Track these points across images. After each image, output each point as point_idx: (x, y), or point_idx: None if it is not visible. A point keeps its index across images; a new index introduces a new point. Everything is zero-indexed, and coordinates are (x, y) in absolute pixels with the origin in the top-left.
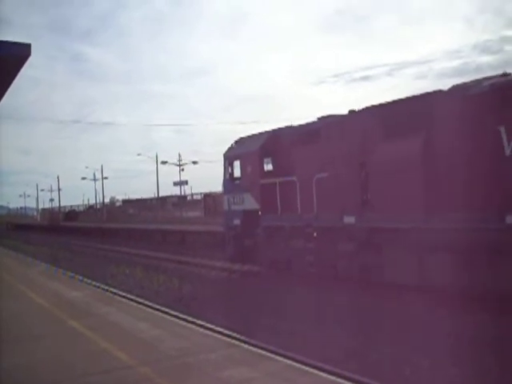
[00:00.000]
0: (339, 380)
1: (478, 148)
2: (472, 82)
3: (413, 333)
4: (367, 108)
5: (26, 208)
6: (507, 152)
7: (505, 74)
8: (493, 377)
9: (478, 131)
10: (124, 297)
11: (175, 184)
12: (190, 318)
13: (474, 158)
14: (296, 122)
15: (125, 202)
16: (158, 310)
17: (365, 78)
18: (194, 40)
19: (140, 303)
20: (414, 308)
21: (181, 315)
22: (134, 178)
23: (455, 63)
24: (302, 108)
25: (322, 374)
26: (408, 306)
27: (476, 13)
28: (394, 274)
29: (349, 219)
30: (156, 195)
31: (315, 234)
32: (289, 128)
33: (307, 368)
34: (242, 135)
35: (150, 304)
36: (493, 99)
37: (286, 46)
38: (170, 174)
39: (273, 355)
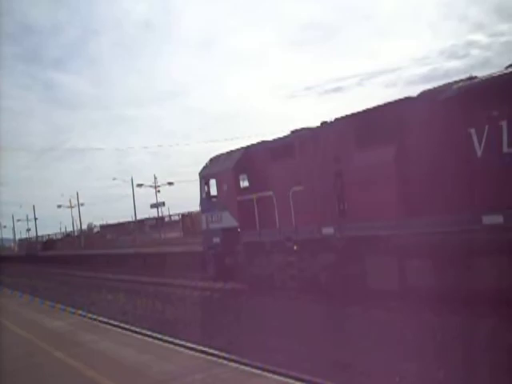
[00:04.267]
0: None
1: (451, 151)
2: (440, 87)
3: (399, 339)
4: (339, 119)
5: (2, 239)
6: (479, 153)
7: (471, 78)
8: (480, 379)
9: (449, 135)
10: (107, 323)
11: (152, 206)
12: (174, 341)
13: (447, 162)
14: (271, 137)
15: (102, 227)
16: (142, 334)
17: (336, 90)
18: (165, 63)
19: (124, 329)
20: (398, 314)
21: (165, 338)
22: (110, 202)
23: (424, 70)
24: (276, 123)
25: None
26: (393, 312)
27: (441, 19)
28: (376, 281)
29: (327, 230)
30: (133, 218)
31: (295, 248)
32: (263, 143)
33: (296, 382)
34: (217, 153)
35: (134, 329)
36: (461, 102)
37: (257, 62)
38: (147, 197)
39: (260, 372)
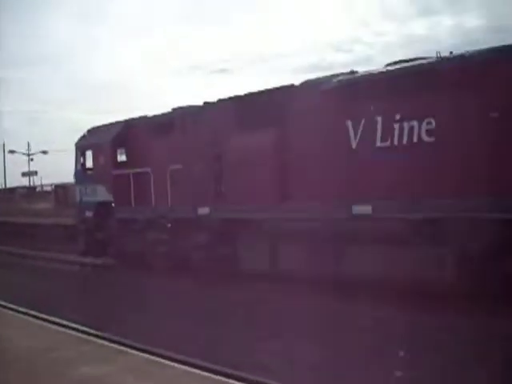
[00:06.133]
0: (199, 371)
1: (328, 141)
2: (323, 78)
3: (264, 319)
4: (222, 100)
5: None
6: (353, 145)
7: (352, 72)
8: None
9: (327, 125)
10: None
11: (24, 175)
12: (42, 316)
13: (324, 151)
14: (152, 113)
15: None
16: (6, 307)
17: (223, 71)
18: (52, 23)
19: None
20: (268, 296)
21: (32, 313)
22: None
23: (311, 59)
24: (159, 99)
25: (181, 366)
26: (262, 294)
27: (329, 14)
28: (248, 262)
29: (203, 210)
30: (3, 186)
31: (169, 225)
32: (143, 118)
33: (166, 361)
34: (95, 125)
35: None
36: (340, 95)
37: (146, 34)
38: (19, 165)
39: (131, 350)
